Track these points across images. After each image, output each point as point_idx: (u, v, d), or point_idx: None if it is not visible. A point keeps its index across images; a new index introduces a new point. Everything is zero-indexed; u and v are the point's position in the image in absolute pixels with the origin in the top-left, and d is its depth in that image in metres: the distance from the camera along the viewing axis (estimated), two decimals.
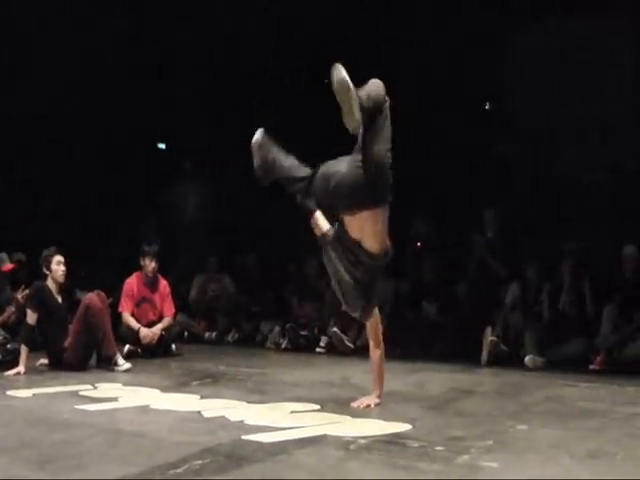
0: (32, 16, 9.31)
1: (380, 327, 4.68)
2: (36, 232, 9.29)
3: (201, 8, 9.52)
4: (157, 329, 7.53)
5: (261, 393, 5.07)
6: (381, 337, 4.67)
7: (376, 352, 4.67)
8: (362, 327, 7.77)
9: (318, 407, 4.54)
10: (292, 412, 4.42)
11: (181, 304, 8.77)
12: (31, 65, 9.66)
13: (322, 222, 4.64)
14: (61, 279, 6.62)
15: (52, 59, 9.52)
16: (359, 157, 4.24)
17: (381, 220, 4.37)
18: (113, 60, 9.88)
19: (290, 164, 4.43)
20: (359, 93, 4.06)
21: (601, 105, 8.74)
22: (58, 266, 6.58)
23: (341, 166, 4.30)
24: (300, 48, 9.56)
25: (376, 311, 4.65)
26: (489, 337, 6.73)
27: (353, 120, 4.06)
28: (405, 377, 5.88)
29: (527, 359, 6.53)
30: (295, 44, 9.65)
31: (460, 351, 7.01)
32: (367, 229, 4.36)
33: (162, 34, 9.87)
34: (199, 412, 4.43)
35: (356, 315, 4.64)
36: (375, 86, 4.18)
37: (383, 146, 4.21)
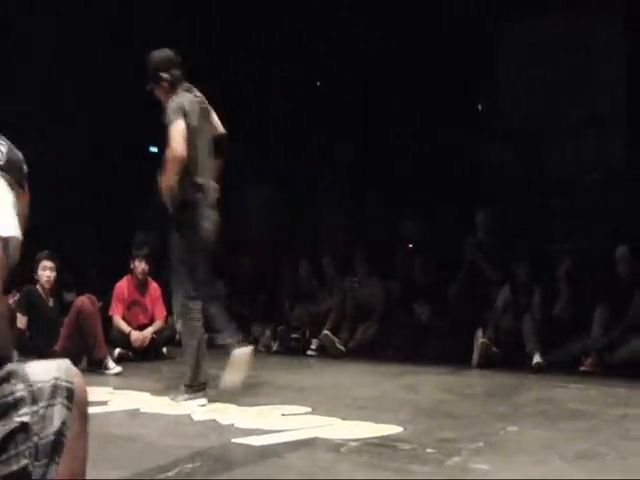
0: (31, 16, 9.28)
1: None
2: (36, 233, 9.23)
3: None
4: (148, 332, 7.49)
5: (252, 396, 5.05)
6: None
7: None
8: (353, 330, 7.84)
9: (309, 410, 4.53)
10: (283, 415, 4.42)
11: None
12: (31, 65, 9.63)
13: None
14: (46, 285, 6.61)
15: (51, 59, 9.50)
16: None
17: None
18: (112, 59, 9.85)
19: None
20: None
21: (594, 105, 8.75)
22: (44, 271, 6.57)
23: None
24: (298, 48, 9.56)
25: None
26: (480, 339, 6.72)
27: None
28: (396, 379, 5.88)
29: (534, 361, 6.28)
30: (293, 45, 9.64)
31: (451, 353, 6.99)
32: None
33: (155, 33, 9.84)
34: (189, 415, 4.42)
35: None
36: None
37: None
